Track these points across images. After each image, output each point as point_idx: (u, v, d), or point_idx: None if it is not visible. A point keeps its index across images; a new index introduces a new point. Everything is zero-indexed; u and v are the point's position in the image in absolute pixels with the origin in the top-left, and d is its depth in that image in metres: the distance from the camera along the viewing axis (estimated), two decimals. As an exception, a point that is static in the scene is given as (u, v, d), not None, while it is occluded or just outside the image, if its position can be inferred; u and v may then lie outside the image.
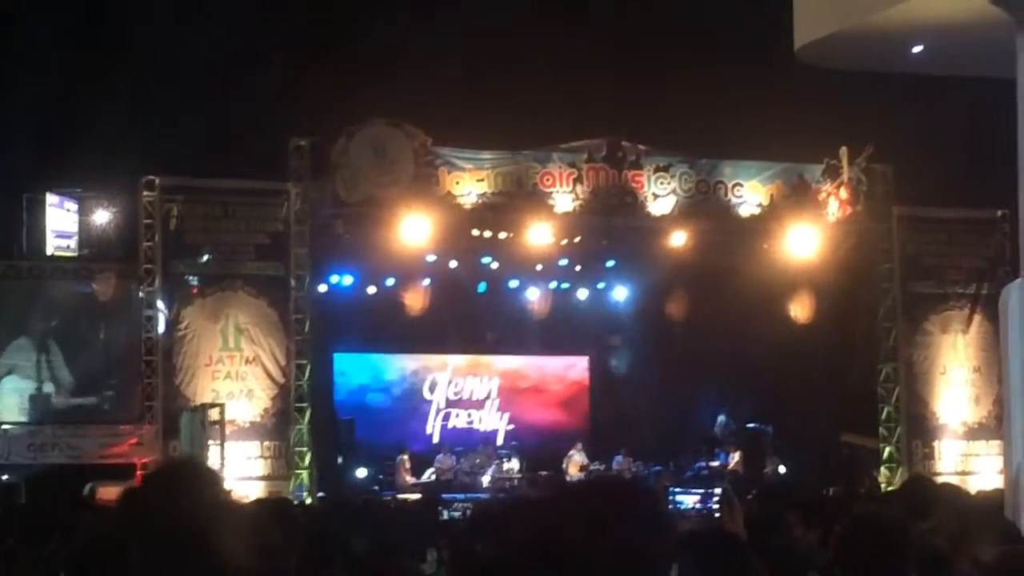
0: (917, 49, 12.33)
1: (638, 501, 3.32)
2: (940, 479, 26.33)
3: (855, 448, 30.48)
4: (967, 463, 29.98)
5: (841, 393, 30.20)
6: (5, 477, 25.29)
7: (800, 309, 30.06)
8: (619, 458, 31.52)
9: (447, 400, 34.33)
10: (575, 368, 35.71)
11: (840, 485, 27.32)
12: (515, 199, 27.47)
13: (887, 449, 29.57)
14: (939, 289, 30.46)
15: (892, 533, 5.49)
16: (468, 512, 17.86)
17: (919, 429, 29.99)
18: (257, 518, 3.05)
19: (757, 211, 28.75)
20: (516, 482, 30.85)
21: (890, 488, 26.66)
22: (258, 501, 10.72)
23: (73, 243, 28.27)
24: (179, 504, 2.87)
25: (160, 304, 26.41)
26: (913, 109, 24.98)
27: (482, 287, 31.63)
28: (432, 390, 34.30)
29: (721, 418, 33.17)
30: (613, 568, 3.17)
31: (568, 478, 30.76)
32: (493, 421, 34.53)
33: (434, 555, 9.11)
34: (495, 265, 30.37)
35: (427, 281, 29.63)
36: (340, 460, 29.66)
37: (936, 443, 30.07)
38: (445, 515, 23.84)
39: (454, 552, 7.78)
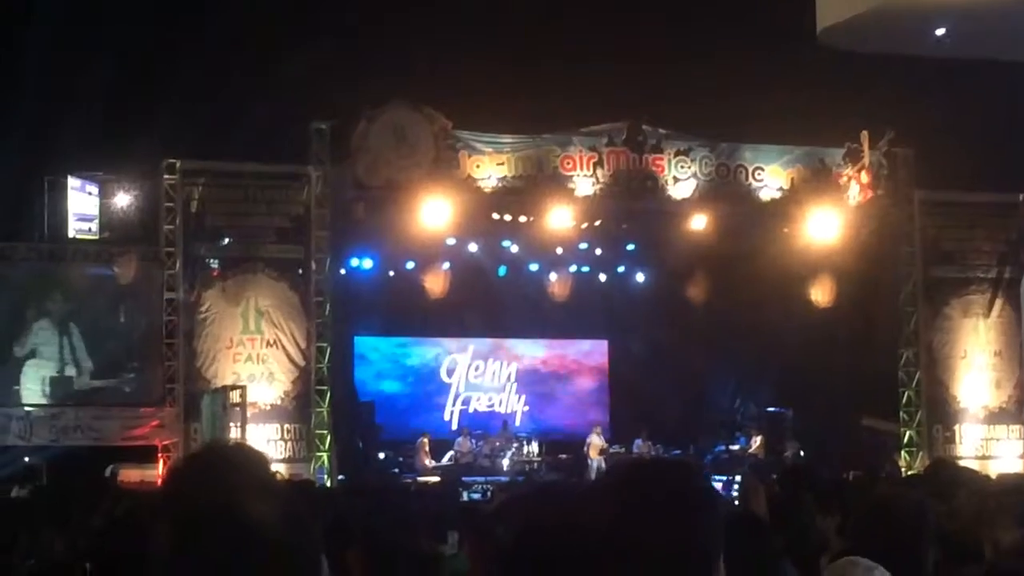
0: (941, 32, 12.30)
1: (693, 487, 3.30)
2: (960, 463, 26.30)
3: (875, 432, 30.42)
4: (988, 447, 29.92)
5: (861, 377, 30.12)
6: (28, 459, 25.39)
7: (821, 293, 29.99)
8: (639, 442, 31.57)
9: (467, 383, 34.40)
10: (595, 352, 35.74)
11: (860, 469, 27.31)
12: (535, 183, 27.46)
13: (907, 433, 29.52)
14: (960, 273, 30.37)
15: (911, 517, 5.48)
16: (491, 493, 17.91)
17: (940, 413, 29.93)
18: (290, 493, 3.05)
19: (778, 195, 28.70)
20: (535, 465, 30.91)
21: (910, 472, 26.63)
22: (286, 481, 10.74)
23: (94, 226, 28.33)
24: (227, 482, 2.87)
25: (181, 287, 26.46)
26: (934, 93, 24.93)
27: (502, 271, 31.66)
28: (451, 373, 34.36)
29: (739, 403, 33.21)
30: (671, 557, 3.16)
31: (588, 462, 30.83)
32: (512, 404, 34.60)
33: (455, 537, 9.12)
34: (515, 249, 30.40)
35: (447, 264, 29.63)
36: (360, 443, 29.72)
37: (957, 427, 30.00)
38: (465, 497, 23.92)
39: (477, 535, 7.80)
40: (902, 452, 29.42)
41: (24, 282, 26.55)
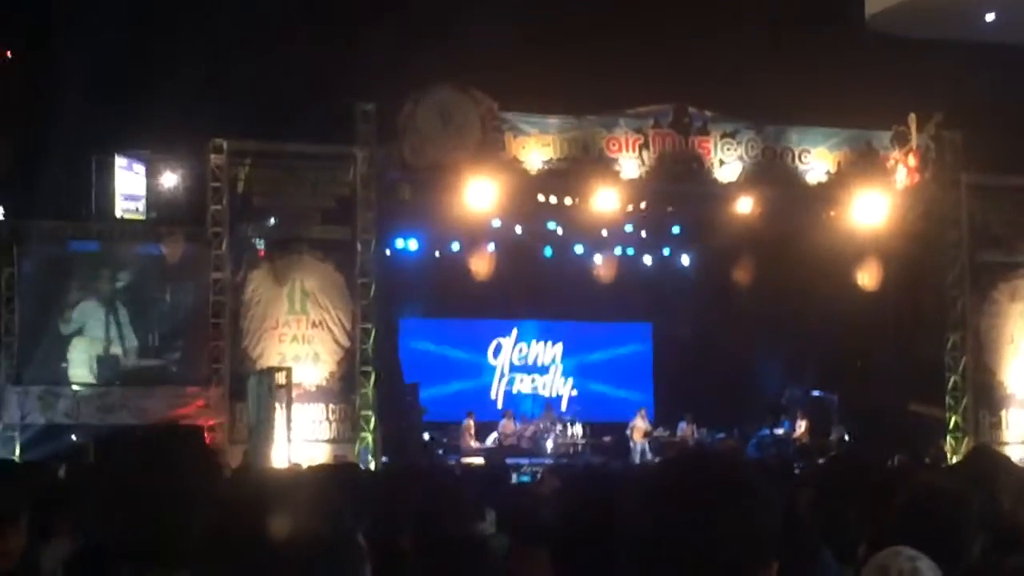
0: (990, 17, 12.22)
1: (742, 480, 3.28)
2: (1007, 449, 26.19)
3: (921, 417, 30.29)
4: (1034, 433, 29.79)
5: (908, 362, 30.01)
6: (74, 437, 25.57)
7: (867, 277, 29.87)
8: (683, 424, 31.58)
9: (511, 365, 34.43)
10: (640, 334, 35.70)
11: (906, 454, 27.21)
12: (581, 164, 27.44)
13: (953, 418, 29.38)
14: (1008, 257, 30.16)
15: (953, 506, 5.46)
16: (541, 475, 17.88)
17: (986, 398, 29.77)
18: (321, 484, 3.07)
19: (824, 178, 28.59)
20: (579, 448, 30.93)
21: (956, 458, 26.52)
22: (323, 466, 10.78)
23: (141, 206, 28.47)
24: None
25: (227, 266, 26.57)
26: (983, 76, 24.74)
27: (547, 253, 31.64)
28: (496, 355, 34.39)
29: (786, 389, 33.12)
30: (715, 550, 3.15)
31: (632, 444, 30.83)
32: (557, 386, 34.61)
33: (493, 516, 9.13)
34: (560, 231, 30.36)
35: (492, 246, 29.63)
36: (404, 424, 29.79)
37: (1003, 412, 29.82)
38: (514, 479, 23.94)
39: (521, 517, 7.80)
40: (948, 437, 29.29)
41: (72, 261, 26.74)
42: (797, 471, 15.70)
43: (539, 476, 21.06)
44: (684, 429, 31.55)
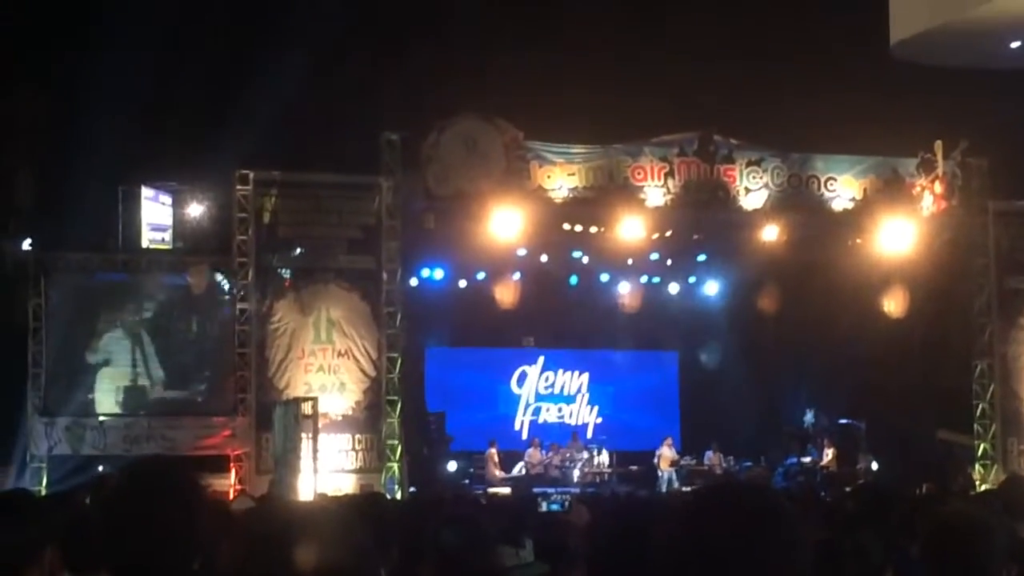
0: (1016, 45, 12.18)
1: (772, 513, 3.27)
2: (1036, 477, 26.00)
3: (950, 445, 30.16)
4: (1063, 461, 29.62)
5: (935, 389, 29.89)
6: (101, 468, 25.59)
7: (894, 304, 29.77)
8: (709, 453, 31.51)
9: (536, 394, 34.39)
10: (666, 363, 35.63)
11: (934, 483, 27.09)
12: (606, 193, 27.44)
13: (982, 446, 29.25)
14: (1035, 285, 30.08)
15: (978, 536, 5.42)
16: (569, 504, 17.87)
17: (1015, 426, 29.63)
18: (345, 516, 3.06)
19: (850, 205, 28.54)
20: (606, 476, 30.85)
21: (984, 486, 26.38)
22: (348, 497, 10.79)
23: (168, 236, 28.60)
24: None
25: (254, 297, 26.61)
26: (1009, 102, 24.67)
27: (573, 281, 31.63)
28: (522, 384, 34.36)
29: (808, 415, 32.97)
30: None
31: (659, 473, 30.74)
32: (583, 415, 34.55)
33: (531, 544, 9.13)
34: (586, 259, 30.36)
35: (518, 275, 29.60)
36: (430, 453, 29.77)
37: (1032, 440, 29.71)
38: (544, 507, 23.87)
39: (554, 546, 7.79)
40: (976, 465, 29.16)
41: (99, 292, 26.82)
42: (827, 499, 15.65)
43: (567, 505, 21.02)
44: (711, 457, 31.47)
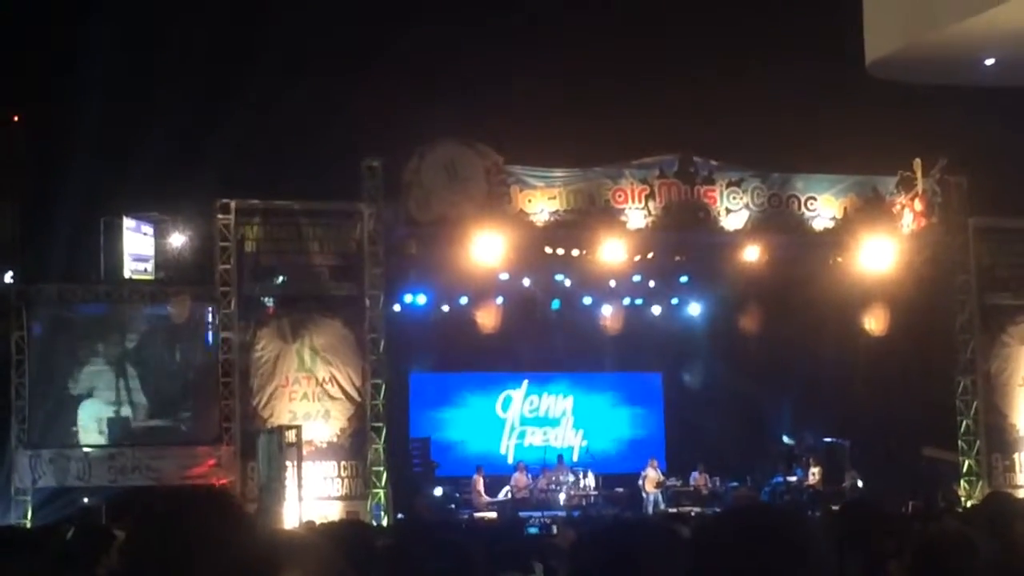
0: (990, 62, 12.23)
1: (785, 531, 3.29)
2: (1021, 492, 26.09)
3: (935, 462, 30.19)
4: (1048, 476, 29.67)
5: (919, 406, 29.92)
6: (86, 500, 25.52)
7: (876, 322, 29.83)
8: (695, 474, 31.46)
9: (521, 418, 34.35)
10: (649, 384, 35.61)
11: (919, 499, 27.12)
12: (587, 216, 27.49)
13: (967, 463, 29.30)
14: (1016, 300, 30.14)
15: (960, 554, 5.45)
16: (556, 528, 17.85)
17: (998, 442, 29.69)
18: (322, 549, 3.07)
19: (831, 224, 28.63)
20: (592, 499, 30.81)
21: (970, 502, 26.43)
22: (331, 524, 10.75)
23: (150, 266, 28.59)
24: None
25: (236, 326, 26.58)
26: (987, 119, 24.80)
27: (555, 304, 31.64)
28: (506, 408, 34.33)
29: (786, 439, 32.98)
30: None
31: (644, 495, 30.71)
32: (568, 438, 34.50)
33: (540, 568, 9.13)
34: (568, 282, 30.38)
35: (500, 299, 29.60)
36: (416, 479, 29.72)
37: (1016, 455, 29.74)
38: (533, 531, 23.83)
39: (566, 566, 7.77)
40: (962, 481, 29.19)
41: (81, 323, 26.77)
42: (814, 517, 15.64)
43: (553, 528, 20.99)
44: (696, 478, 31.44)
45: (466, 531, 18.85)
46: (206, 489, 4.42)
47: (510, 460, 33.17)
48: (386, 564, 7.36)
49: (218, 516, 3.79)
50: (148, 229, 28.83)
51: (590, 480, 31.38)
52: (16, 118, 28.43)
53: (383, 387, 27.07)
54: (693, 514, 25.96)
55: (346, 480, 26.77)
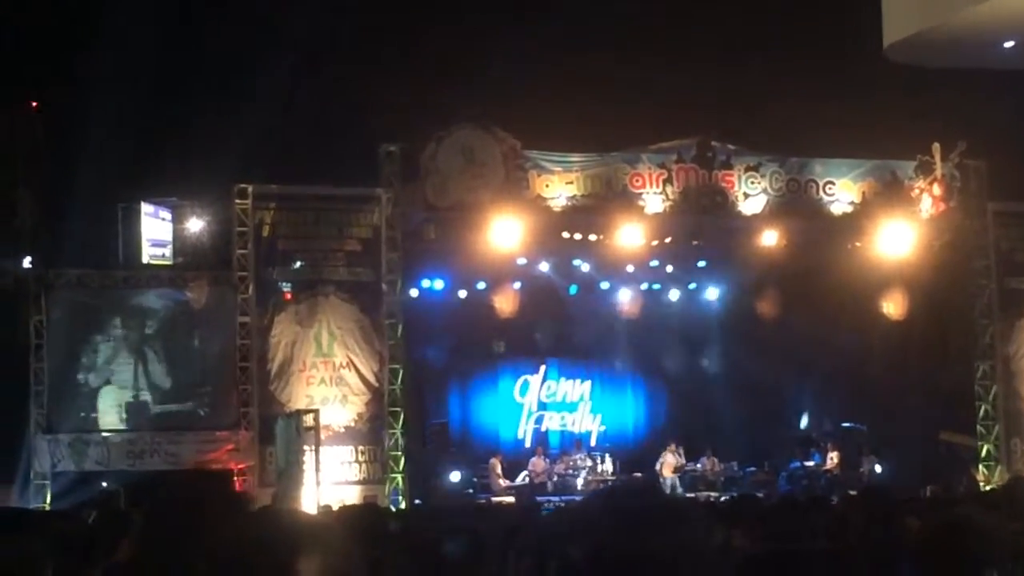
0: (1009, 44, 12.17)
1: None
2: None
3: (953, 447, 30.13)
4: (1067, 461, 29.60)
5: (938, 391, 29.87)
6: (105, 484, 25.57)
7: (894, 307, 29.76)
8: (703, 459, 31.37)
9: (539, 402, 34.33)
10: (666, 369, 35.54)
11: (938, 484, 27.06)
12: (605, 201, 27.44)
13: (985, 447, 29.24)
14: (1036, 285, 30.09)
15: (980, 539, 5.41)
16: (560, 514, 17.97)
17: (1017, 426, 29.63)
18: (335, 532, 3.06)
19: (849, 209, 28.55)
20: (609, 483, 30.79)
21: (988, 487, 26.37)
22: (347, 508, 10.77)
23: (168, 251, 28.61)
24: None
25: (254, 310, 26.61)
26: (1006, 103, 24.68)
27: (573, 289, 31.62)
28: (524, 393, 34.31)
29: (804, 419, 32.93)
30: None
31: (662, 479, 30.69)
32: (586, 423, 34.48)
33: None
34: (586, 267, 30.37)
35: (518, 284, 29.61)
36: (434, 464, 29.73)
37: (1035, 440, 29.69)
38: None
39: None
40: (980, 466, 29.13)
41: (100, 308, 26.79)
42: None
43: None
44: (704, 463, 31.39)
45: (479, 515, 18.88)
46: (203, 474, 4.43)
47: (527, 445, 33.18)
48: (399, 547, 7.38)
49: (218, 501, 3.80)
50: (166, 214, 28.85)
51: (608, 465, 31.38)
52: (34, 104, 28.42)
53: (400, 372, 27.09)
54: (711, 498, 25.98)
55: (364, 465, 26.80)
